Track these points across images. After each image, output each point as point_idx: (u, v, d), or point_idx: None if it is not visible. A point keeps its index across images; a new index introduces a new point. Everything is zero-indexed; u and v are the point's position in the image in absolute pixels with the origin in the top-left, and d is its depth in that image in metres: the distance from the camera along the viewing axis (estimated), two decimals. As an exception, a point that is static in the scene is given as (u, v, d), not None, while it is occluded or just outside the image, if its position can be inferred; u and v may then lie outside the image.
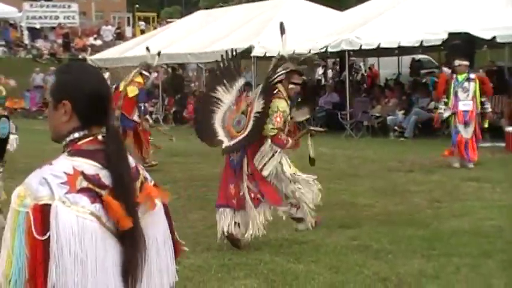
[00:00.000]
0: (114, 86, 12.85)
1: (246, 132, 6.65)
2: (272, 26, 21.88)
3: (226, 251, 6.78)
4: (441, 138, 15.91)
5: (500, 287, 5.55)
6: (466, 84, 11.55)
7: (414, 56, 24.70)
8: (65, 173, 2.03)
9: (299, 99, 7.65)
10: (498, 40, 15.28)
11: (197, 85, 27.27)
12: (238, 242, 6.85)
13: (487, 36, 15.06)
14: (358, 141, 16.58)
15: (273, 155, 6.72)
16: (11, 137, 7.36)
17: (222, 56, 7.51)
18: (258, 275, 5.99)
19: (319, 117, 18.78)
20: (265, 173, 6.70)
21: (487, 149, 13.14)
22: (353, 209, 8.50)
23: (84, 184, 2.05)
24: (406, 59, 24.68)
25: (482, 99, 11.68)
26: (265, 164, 6.70)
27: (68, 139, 2.16)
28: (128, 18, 49.53)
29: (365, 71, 26.93)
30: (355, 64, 25.35)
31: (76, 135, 2.15)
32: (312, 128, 7.52)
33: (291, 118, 7.05)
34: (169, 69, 27.53)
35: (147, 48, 14.10)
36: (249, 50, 20.53)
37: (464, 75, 11.59)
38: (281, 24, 7.35)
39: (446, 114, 11.77)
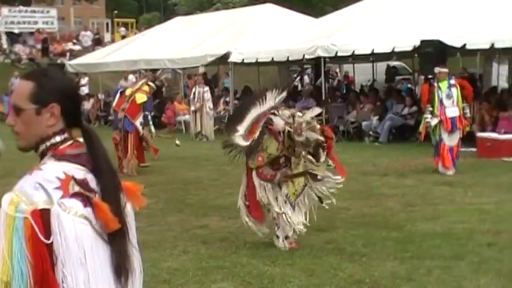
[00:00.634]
0: (120, 91, 13.22)
1: (247, 143, 6.76)
2: (249, 32, 22.00)
3: (203, 254, 6.77)
4: (415, 143, 16.05)
5: (472, 288, 5.60)
6: (448, 91, 11.46)
7: (389, 62, 24.89)
8: (57, 178, 2.03)
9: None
10: (468, 47, 15.42)
11: (175, 90, 27.16)
12: None
13: (458, 44, 15.21)
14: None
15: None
16: None
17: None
18: (235, 277, 5.98)
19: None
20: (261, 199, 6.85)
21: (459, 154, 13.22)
22: (328, 212, 8.51)
23: (76, 188, 2.05)
24: (381, 66, 24.86)
25: (463, 104, 11.61)
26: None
27: (48, 143, 2.13)
28: (107, 24, 49.32)
29: (341, 77, 27.06)
30: (331, 70, 25.46)
31: (58, 139, 2.14)
32: (309, 170, 6.96)
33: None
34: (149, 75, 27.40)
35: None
36: (226, 56, 20.55)
37: (445, 82, 11.51)
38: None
39: (433, 123, 11.51)
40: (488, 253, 6.53)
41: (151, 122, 12.86)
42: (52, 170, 2.05)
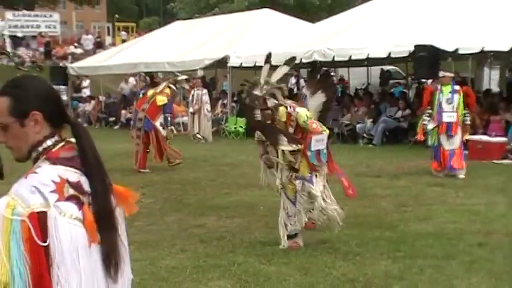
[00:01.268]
0: (142, 92, 13.57)
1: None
2: (246, 36, 21.99)
3: (201, 253, 6.75)
4: (408, 145, 16.06)
5: (463, 287, 5.59)
6: (450, 96, 11.21)
7: (383, 67, 24.90)
8: (53, 181, 2.02)
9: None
10: (460, 52, 15.45)
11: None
12: None
13: (450, 48, 15.23)
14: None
15: None
16: None
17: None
18: (232, 276, 5.97)
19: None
20: None
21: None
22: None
23: (71, 191, 2.05)
24: (375, 70, 24.87)
25: (465, 111, 11.28)
26: None
27: (40, 148, 2.12)
28: (108, 28, 49.30)
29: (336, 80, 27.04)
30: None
31: (49, 142, 2.13)
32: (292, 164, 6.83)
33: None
34: (148, 78, 27.40)
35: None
36: (224, 59, 20.56)
37: (449, 87, 11.26)
38: (269, 54, 7.09)
39: (430, 126, 11.39)
40: (479, 253, 6.53)
41: (170, 124, 12.96)
42: (47, 174, 2.04)
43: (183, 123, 21.66)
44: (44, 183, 2.00)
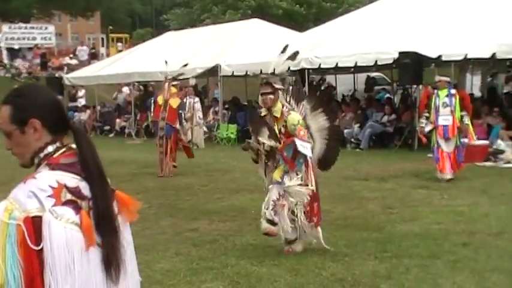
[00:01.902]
0: (152, 100, 13.70)
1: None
2: (236, 46, 22.03)
3: (194, 256, 6.75)
4: (394, 149, 16.12)
5: (448, 286, 5.61)
6: (447, 99, 11.17)
7: (369, 73, 24.98)
8: (50, 186, 2.02)
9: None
10: (443, 59, 15.53)
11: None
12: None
13: (433, 55, 15.31)
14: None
15: None
16: None
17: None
18: (224, 278, 5.97)
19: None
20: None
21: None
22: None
23: (69, 196, 2.04)
24: (361, 76, 24.94)
25: (462, 114, 11.23)
26: None
27: (42, 154, 2.13)
28: (102, 39, 49.21)
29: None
30: (314, 81, 25.44)
31: (50, 149, 2.14)
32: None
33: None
34: (141, 87, 27.38)
35: (166, 62, 14.42)
36: (215, 68, 20.57)
37: (445, 91, 11.22)
38: (286, 46, 7.16)
39: (427, 129, 11.41)
40: (463, 252, 6.55)
41: (184, 120, 13.24)
42: (45, 179, 2.05)
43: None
44: (41, 188, 2.01)
